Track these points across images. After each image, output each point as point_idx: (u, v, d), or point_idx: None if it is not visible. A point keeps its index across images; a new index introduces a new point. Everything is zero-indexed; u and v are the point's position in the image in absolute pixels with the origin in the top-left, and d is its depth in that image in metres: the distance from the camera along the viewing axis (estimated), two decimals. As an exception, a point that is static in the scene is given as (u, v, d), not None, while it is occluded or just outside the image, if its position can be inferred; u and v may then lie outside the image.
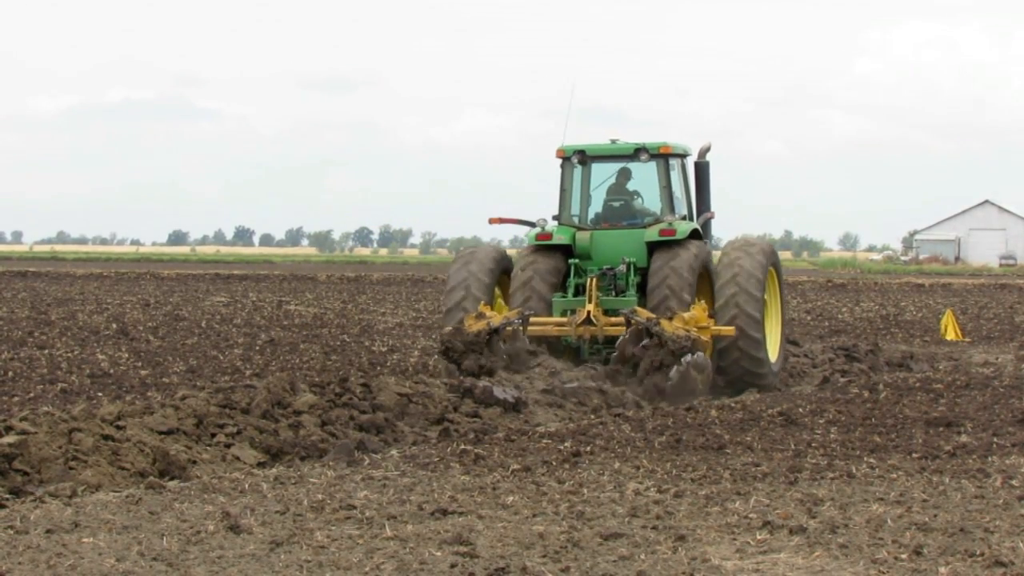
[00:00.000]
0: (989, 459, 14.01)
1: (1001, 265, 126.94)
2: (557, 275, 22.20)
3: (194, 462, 13.51)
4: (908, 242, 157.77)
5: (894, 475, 13.10)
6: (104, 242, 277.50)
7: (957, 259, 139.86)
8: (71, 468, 12.54)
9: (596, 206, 22.81)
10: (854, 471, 13.26)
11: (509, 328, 20.69)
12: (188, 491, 12.29)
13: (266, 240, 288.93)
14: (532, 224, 22.74)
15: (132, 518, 11.07)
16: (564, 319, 21.52)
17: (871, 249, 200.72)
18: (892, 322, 39.56)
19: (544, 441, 15.32)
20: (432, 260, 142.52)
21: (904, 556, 9.82)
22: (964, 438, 15.49)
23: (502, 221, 23.14)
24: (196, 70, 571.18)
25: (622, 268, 21.85)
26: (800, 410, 17.95)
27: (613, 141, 22.82)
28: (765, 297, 22.09)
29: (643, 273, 22.04)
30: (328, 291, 57.73)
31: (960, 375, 22.84)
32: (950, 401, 18.98)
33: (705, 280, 22.10)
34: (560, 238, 22.26)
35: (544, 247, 22.33)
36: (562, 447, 14.74)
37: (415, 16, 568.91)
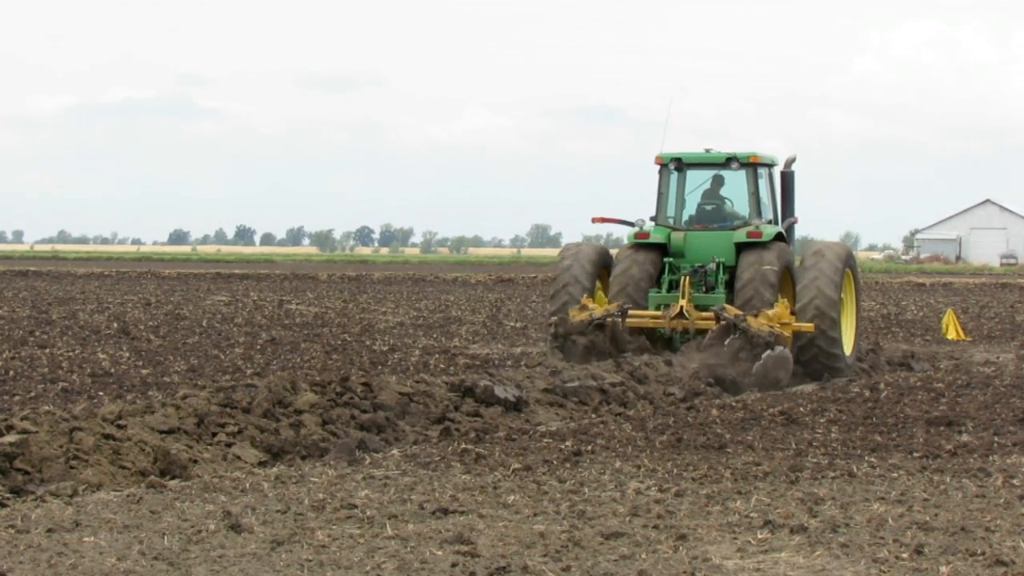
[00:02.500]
0: (990, 458, 14.02)
1: (1002, 264, 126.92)
2: (653, 271, 24.15)
3: (195, 461, 13.50)
4: (909, 241, 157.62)
5: (895, 474, 13.10)
6: (105, 241, 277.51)
7: (958, 258, 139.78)
8: (72, 467, 12.54)
9: (690, 209, 24.85)
10: (855, 470, 13.27)
11: (610, 319, 22.90)
12: (189, 490, 12.29)
13: (267, 239, 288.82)
14: (632, 224, 24.68)
15: (133, 517, 11.07)
16: (659, 312, 23.54)
17: (872, 248, 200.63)
18: (893, 321, 39.57)
19: (545, 440, 15.31)
20: (433, 259, 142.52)
21: (905, 555, 9.83)
22: (965, 437, 15.49)
23: (604, 220, 25.25)
24: (197, 69, 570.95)
25: (712, 266, 23.91)
26: (801, 409, 17.96)
27: (707, 150, 24.83)
28: (841, 296, 23.99)
29: (731, 272, 24.02)
30: (329, 290, 57.75)
31: (961, 374, 22.84)
32: (951, 400, 18.98)
33: (787, 279, 24.07)
34: (656, 237, 24.29)
35: (642, 245, 24.34)
36: (563, 446, 14.74)
37: (416, 16, 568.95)
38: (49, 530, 10.56)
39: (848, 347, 24.30)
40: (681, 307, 23.13)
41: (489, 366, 23.17)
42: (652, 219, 24.67)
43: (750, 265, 23.51)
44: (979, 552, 9.86)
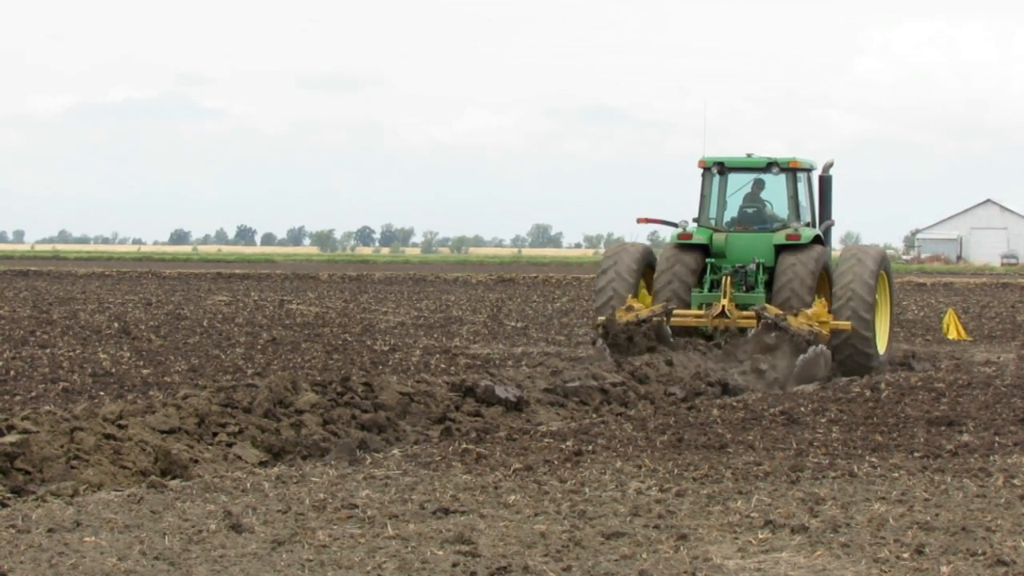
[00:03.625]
0: (991, 458, 14.01)
1: (1003, 264, 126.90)
2: (695, 271, 24.94)
3: (196, 461, 13.50)
4: (910, 241, 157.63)
5: (896, 474, 13.10)
6: (106, 241, 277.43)
7: (959, 258, 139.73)
8: (73, 467, 12.54)
9: (731, 211, 25.72)
10: (856, 470, 13.26)
11: (655, 319, 23.54)
12: (190, 490, 12.29)
13: (268, 239, 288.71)
14: (675, 225, 25.58)
15: (134, 517, 11.07)
16: (701, 311, 24.30)
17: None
18: (894, 321, 39.51)
19: (546, 440, 15.31)
20: (434, 259, 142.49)
21: (906, 555, 9.82)
22: (966, 437, 15.48)
23: (648, 221, 26.15)
24: (198, 69, 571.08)
25: (752, 267, 24.74)
26: (802, 409, 17.95)
27: (749, 155, 25.59)
28: (876, 297, 24.85)
29: (770, 272, 24.85)
30: (330, 290, 57.74)
31: (962, 374, 22.84)
32: (952, 400, 18.98)
33: (824, 280, 24.88)
34: (699, 238, 25.09)
35: (685, 246, 25.11)
36: (564, 446, 14.74)
37: (416, 16, 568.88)
38: (50, 530, 10.56)
39: (882, 345, 25.23)
40: (723, 306, 23.86)
41: (490, 366, 23.17)
42: (695, 220, 25.38)
43: (789, 266, 24.28)
44: (980, 552, 9.86)
